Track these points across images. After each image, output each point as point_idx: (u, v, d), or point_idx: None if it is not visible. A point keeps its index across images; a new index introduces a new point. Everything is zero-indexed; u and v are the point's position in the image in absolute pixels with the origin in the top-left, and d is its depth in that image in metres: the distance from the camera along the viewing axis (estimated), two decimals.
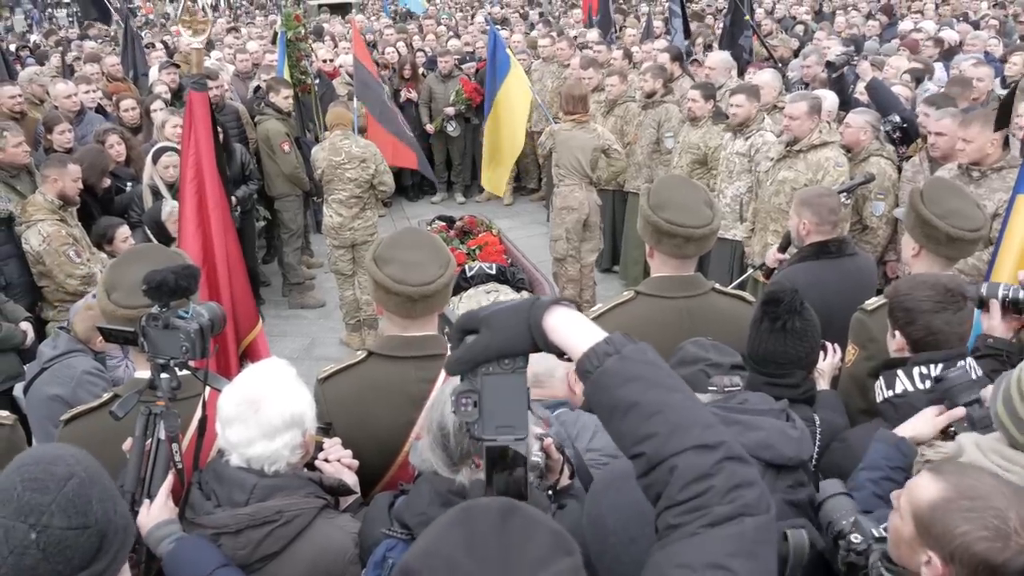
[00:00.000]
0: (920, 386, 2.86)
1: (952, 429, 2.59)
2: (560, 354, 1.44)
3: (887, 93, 7.29)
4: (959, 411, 2.60)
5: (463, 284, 6.80)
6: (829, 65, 7.89)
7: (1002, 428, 2.27)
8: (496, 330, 1.42)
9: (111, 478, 1.71)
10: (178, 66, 11.05)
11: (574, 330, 1.42)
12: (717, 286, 3.45)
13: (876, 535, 2.17)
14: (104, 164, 6.86)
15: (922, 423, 2.65)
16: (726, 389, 2.44)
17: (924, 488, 1.99)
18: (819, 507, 2.32)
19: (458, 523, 1.23)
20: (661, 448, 1.33)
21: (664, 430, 1.33)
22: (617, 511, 1.73)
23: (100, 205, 6.84)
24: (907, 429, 2.65)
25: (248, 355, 4.24)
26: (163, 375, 2.30)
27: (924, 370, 2.90)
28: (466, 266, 7.01)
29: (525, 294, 6.90)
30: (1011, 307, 3.16)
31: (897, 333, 3.07)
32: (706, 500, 1.29)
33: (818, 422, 3.04)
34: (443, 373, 2.87)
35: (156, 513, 2.31)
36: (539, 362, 2.84)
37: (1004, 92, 8.23)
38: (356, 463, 2.62)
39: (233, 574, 2.20)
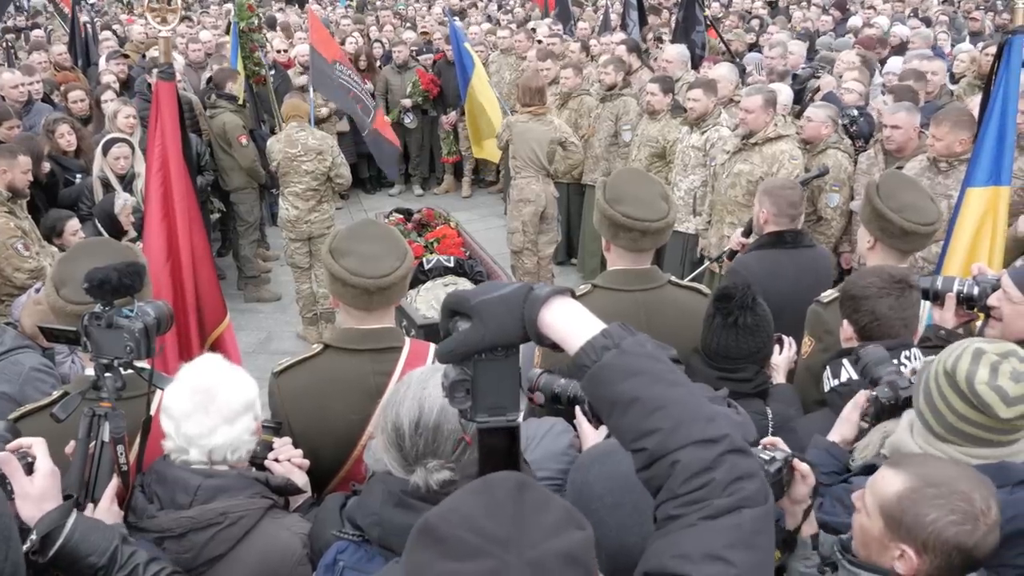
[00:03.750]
0: None
1: (867, 417, 2.66)
2: (555, 348, 1.42)
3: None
4: (860, 397, 2.67)
5: (420, 277, 6.77)
6: (795, 77, 8.04)
7: (922, 420, 2.32)
8: (488, 323, 1.40)
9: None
10: (127, 56, 10.86)
11: (570, 324, 1.40)
12: (673, 279, 3.47)
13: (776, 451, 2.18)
14: (38, 150, 6.65)
15: (843, 423, 2.71)
16: None
17: (888, 482, 2.00)
18: None
19: (478, 490, 1.28)
20: (664, 444, 1.32)
21: (667, 426, 1.33)
22: (604, 479, 1.79)
23: (46, 196, 6.69)
24: (834, 434, 2.71)
25: (216, 349, 4.18)
26: (107, 375, 2.24)
27: (863, 353, 2.95)
28: (424, 259, 6.98)
29: None
30: (964, 302, 3.21)
31: (845, 322, 3.14)
32: (707, 493, 1.29)
33: (770, 415, 3.07)
34: (399, 367, 2.85)
35: (101, 517, 2.24)
36: None
37: (955, 87, 8.41)
38: (307, 463, 2.59)
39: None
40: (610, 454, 1.86)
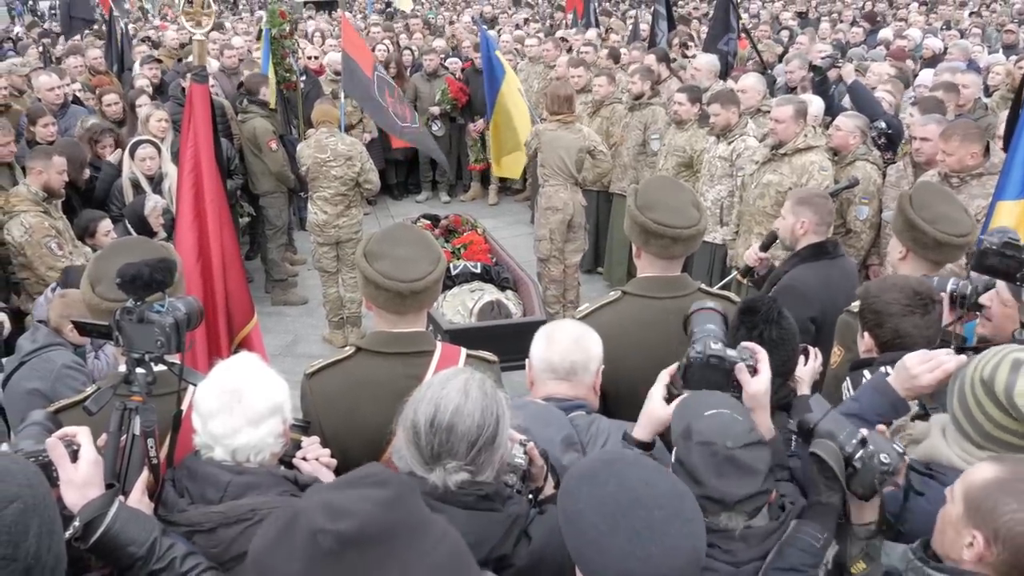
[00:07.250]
0: None
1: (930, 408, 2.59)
2: None
3: (868, 96, 7.32)
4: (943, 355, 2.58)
5: (447, 283, 6.79)
6: (814, 68, 7.90)
7: (957, 426, 2.28)
8: None
9: (58, 510, 1.62)
10: (160, 61, 10.99)
11: None
12: (703, 286, 3.44)
13: (900, 449, 2.14)
14: (82, 157, 6.80)
15: (924, 374, 2.57)
16: None
17: (981, 469, 1.97)
18: (812, 430, 2.26)
19: None
20: None
21: None
22: (595, 504, 1.71)
23: (81, 198, 6.78)
24: (902, 381, 2.61)
25: (243, 348, 4.23)
26: (138, 370, 2.27)
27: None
28: (451, 264, 7.00)
29: (509, 293, 6.89)
30: (957, 300, 3.17)
31: (866, 334, 3.10)
32: None
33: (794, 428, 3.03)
34: (431, 371, 2.85)
35: None
36: (577, 351, 2.84)
37: (988, 100, 8.32)
38: (334, 462, 2.59)
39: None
40: (595, 475, 1.78)
